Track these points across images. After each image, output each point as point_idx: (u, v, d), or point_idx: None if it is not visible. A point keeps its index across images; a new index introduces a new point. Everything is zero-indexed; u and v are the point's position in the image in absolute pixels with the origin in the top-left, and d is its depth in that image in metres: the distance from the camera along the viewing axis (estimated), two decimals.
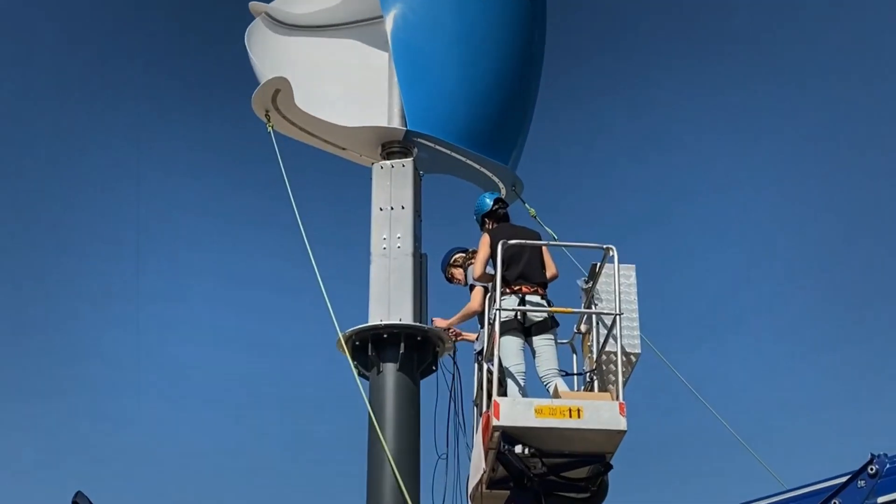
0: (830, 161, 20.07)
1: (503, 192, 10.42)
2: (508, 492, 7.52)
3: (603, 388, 7.87)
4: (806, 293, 19.95)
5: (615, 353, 7.53)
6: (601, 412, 7.12)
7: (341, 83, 10.25)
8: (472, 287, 8.93)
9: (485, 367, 7.84)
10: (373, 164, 9.88)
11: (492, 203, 8.66)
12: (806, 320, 19.98)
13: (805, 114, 20.40)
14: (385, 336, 8.99)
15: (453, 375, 9.16)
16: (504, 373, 7.75)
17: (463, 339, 9.26)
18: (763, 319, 20.33)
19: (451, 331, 9.25)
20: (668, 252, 21.10)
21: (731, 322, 20.68)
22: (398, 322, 9.04)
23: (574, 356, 8.48)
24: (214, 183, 21.28)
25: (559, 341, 8.14)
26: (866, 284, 19.51)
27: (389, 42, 10.01)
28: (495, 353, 7.37)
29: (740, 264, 20.61)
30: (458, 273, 9.25)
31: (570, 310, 7.90)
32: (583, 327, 8.36)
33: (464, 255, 9.32)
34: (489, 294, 8.10)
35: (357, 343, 9.06)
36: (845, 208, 19.89)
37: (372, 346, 8.99)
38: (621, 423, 7.10)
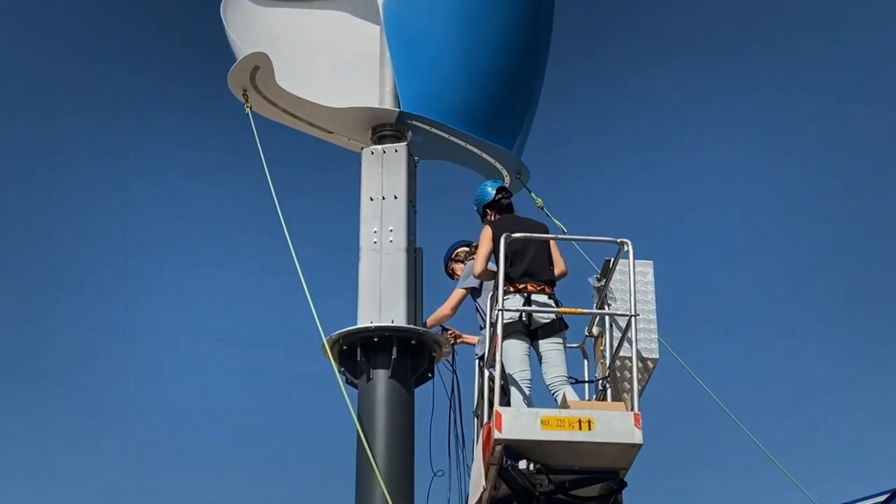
0: (852, 154, 20.93)
1: (507, 180, 10.50)
2: None
3: (617, 398, 7.93)
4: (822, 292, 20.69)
5: (630, 359, 7.55)
6: (614, 424, 7.17)
7: (327, 59, 10.32)
8: (477, 287, 9.08)
9: (486, 373, 7.92)
10: (362, 149, 9.95)
11: (494, 192, 8.71)
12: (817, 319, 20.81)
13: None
14: (375, 340, 9.06)
15: (452, 383, 9.26)
16: (507, 380, 7.83)
17: (463, 343, 9.36)
18: (777, 316, 21.12)
19: (449, 332, 9.36)
20: (684, 247, 21.44)
21: (745, 321, 21.43)
22: (390, 324, 9.10)
23: (585, 362, 8.57)
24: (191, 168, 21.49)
25: (568, 345, 8.20)
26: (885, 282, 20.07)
27: (381, 14, 10.09)
28: (497, 358, 7.42)
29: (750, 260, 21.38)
30: (460, 269, 9.36)
31: (580, 310, 7.95)
32: (595, 330, 8.45)
33: (467, 249, 9.41)
34: (491, 293, 8.15)
35: (344, 348, 9.12)
36: (859, 206, 20.76)
37: (361, 350, 9.06)
38: (637, 436, 7.14)
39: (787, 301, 21.20)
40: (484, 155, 10.35)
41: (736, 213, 22.13)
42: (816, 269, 21.57)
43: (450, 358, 9.36)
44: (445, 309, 9.23)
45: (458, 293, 9.21)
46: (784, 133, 21.79)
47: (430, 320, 9.27)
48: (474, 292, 9.15)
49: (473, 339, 9.13)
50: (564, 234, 9.87)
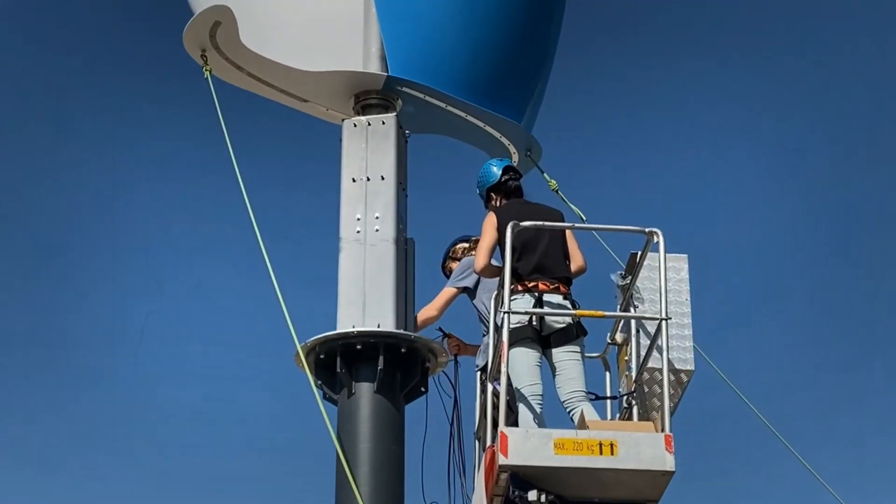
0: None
1: (515, 158, 10.45)
2: None
3: (644, 416, 7.84)
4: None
5: (661, 371, 7.52)
6: (642, 447, 7.11)
7: (302, 14, 10.20)
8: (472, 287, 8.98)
9: (489, 388, 7.84)
10: (343, 120, 9.87)
11: (500, 172, 8.65)
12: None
13: None
14: (359, 347, 8.99)
15: (455, 398, 9.21)
16: (514, 396, 7.74)
17: (467, 354, 9.31)
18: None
19: (452, 341, 9.32)
20: (721, 240, 21.66)
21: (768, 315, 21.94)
22: (376, 329, 9.04)
23: (607, 374, 8.51)
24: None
25: (587, 355, 8.14)
26: None
27: None
28: (503, 369, 7.36)
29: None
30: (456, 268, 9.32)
31: (601, 313, 7.87)
32: (618, 336, 8.34)
33: (467, 245, 9.39)
34: (494, 293, 8.10)
35: (322, 357, 9.06)
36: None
37: (341, 360, 8.99)
38: (668, 462, 7.07)
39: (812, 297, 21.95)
40: (487, 128, 10.29)
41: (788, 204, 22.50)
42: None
43: (447, 369, 9.32)
44: (430, 310, 9.25)
45: (446, 292, 9.20)
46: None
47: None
48: (469, 293, 9.08)
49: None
50: (583, 222, 9.89)
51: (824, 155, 22.58)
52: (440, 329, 9.37)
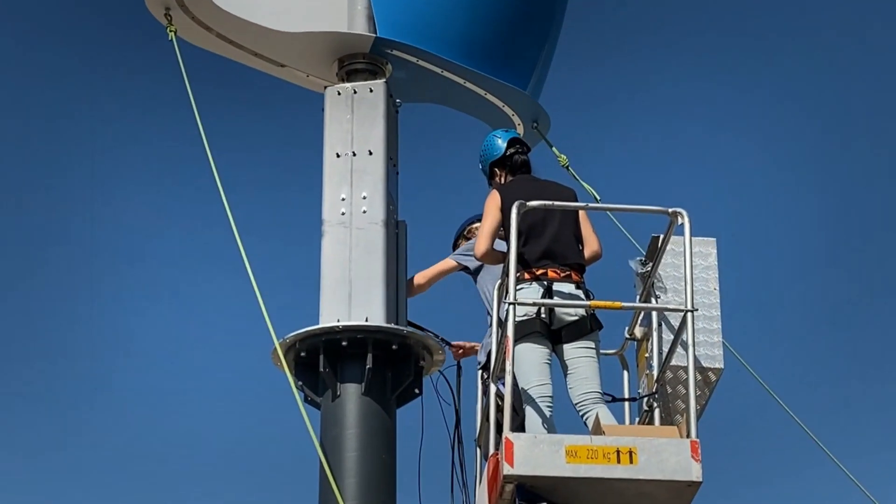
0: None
1: (520, 129, 10.48)
2: None
3: (667, 420, 7.95)
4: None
5: (686, 369, 7.56)
6: (664, 455, 7.15)
7: None
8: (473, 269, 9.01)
9: (492, 388, 7.91)
10: (326, 88, 9.90)
11: (505, 145, 8.69)
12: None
13: None
14: (344, 344, 9.01)
15: (455, 408, 9.25)
16: (520, 397, 7.78)
17: (473, 355, 9.38)
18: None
19: (455, 348, 9.41)
20: (747, 222, 21.69)
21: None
22: (364, 323, 9.06)
23: (625, 373, 8.60)
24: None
25: (602, 351, 8.18)
26: None
27: None
28: (507, 368, 7.39)
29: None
30: None
31: (618, 304, 7.88)
32: (638, 331, 8.45)
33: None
34: (498, 282, 8.13)
35: (303, 354, 9.08)
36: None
37: (325, 358, 9.00)
38: (694, 472, 7.12)
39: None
40: (489, 96, 10.31)
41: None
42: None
43: (445, 369, 9.35)
44: (420, 277, 9.38)
45: (445, 264, 9.33)
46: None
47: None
48: (470, 275, 9.19)
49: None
50: (597, 201, 9.89)
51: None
52: (443, 339, 9.41)
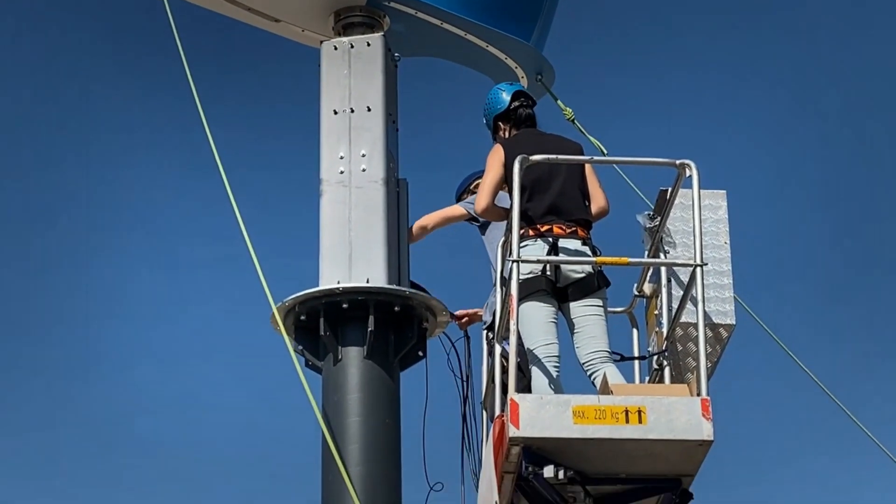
0: None
1: (524, 83, 10.44)
2: None
3: (678, 378, 7.93)
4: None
5: (696, 326, 7.54)
6: (675, 414, 7.14)
7: None
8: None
9: (497, 349, 7.89)
10: (322, 42, 9.88)
11: (509, 99, 8.67)
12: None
13: None
14: (345, 306, 9.02)
15: (460, 362, 9.32)
16: (526, 357, 7.79)
17: (478, 321, 9.37)
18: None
19: (460, 319, 9.40)
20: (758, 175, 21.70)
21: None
22: (364, 285, 9.06)
23: (634, 331, 8.60)
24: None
25: (610, 309, 8.19)
26: None
27: None
28: (512, 327, 7.36)
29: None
30: None
31: (626, 260, 7.83)
32: (647, 287, 8.43)
33: None
34: (502, 239, 8.14)
35: (302, 318, 9.09)
36: None
37: (325, 321, 9.02)
38: (706, 430, 7.10)
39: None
40: (491, 48, 10.29)
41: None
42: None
43: (451, 331, 9.39)
44: (425, 219, 9.45)
45: (453, 210, 9.37)
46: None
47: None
48: (478, 228, 9.18)
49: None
50: (604, 155, 9.85)
51: None
52: (450, 313, 9.37)
